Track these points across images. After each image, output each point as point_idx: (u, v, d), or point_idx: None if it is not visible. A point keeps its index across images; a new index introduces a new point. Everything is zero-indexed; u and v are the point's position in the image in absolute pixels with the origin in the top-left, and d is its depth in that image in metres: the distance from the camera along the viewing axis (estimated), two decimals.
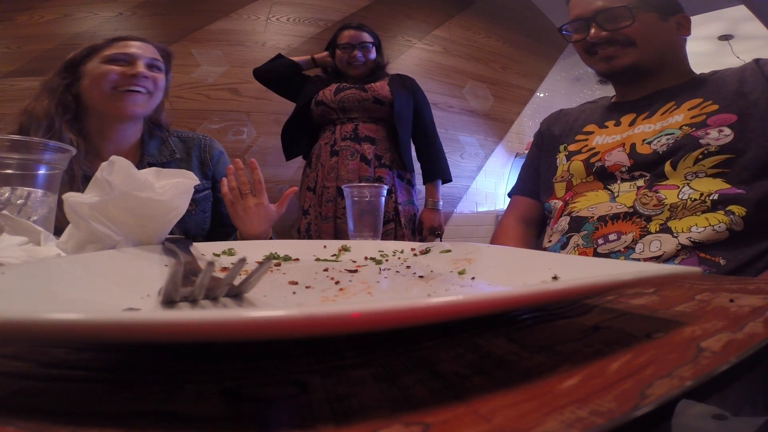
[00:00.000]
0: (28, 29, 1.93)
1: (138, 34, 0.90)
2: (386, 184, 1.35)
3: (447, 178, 1.47)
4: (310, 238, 1.38)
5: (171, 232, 0.47)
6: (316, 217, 1.38)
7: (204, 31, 2.12)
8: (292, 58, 1.51)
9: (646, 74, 0.75)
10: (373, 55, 1.44)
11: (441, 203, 1.46)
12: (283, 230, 2.09)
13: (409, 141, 1.42)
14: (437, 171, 1.45)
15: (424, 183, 1.47)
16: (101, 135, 0.85)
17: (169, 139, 0.93)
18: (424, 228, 1.43)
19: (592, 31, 0.74)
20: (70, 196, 0.40)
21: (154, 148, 0.90)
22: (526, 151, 1.01)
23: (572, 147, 0.80)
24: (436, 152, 1.46)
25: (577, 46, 0.80)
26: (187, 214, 0.63)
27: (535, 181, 0.89)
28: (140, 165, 0.82)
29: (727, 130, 0.62)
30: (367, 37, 1.43)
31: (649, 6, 0.71)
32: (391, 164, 1.37)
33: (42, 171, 0.46)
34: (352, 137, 1.36)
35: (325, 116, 1.40)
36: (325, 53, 1.50)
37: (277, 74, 1.50)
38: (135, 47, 0.84)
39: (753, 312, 0.24)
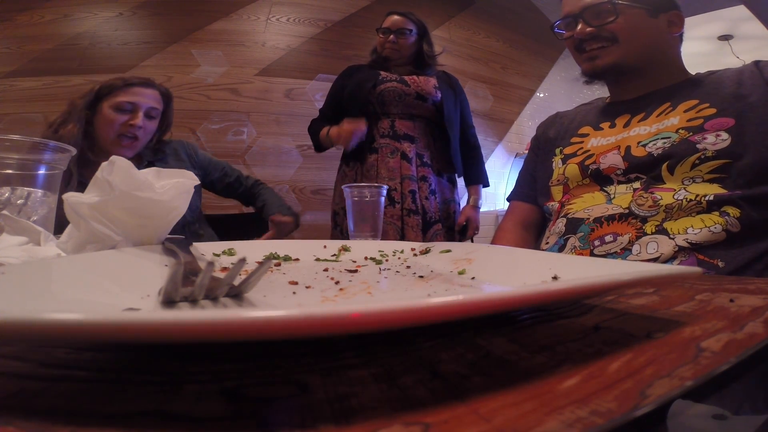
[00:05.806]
0: (28, 29, 1.93)
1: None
2: (430, 184, 1.32)
3: (486, 184, 1.49)
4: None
5: (171, 232, 0.47)
6: None
7: (204, 31, 2.12)
8: (322, 137, 1.36)
9: (632, 72, 0.75)
10: (411, 42, 1.38)
11: (481, 202, 1.48)
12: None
13: (458, 142, 1.40)
14: (480, 175, 1.46)
15: (467, 185, 1.47)
16: (106, 155, 1.05)
17: (161, 148, 1.16)
18: (470, 227, 1.42)
19: (579, 27, 0.75)
20: (71, 196, 0.40)
21: (147, 154, 1.11)
22: (526, 152, 1.01)
23: (567, 150, 0.80)
24: (479, 156, 1.47)
25: (568, 44, 0.80)
26: None
27: (532, 186, 0.89)
28: (140, 166, 0.98)
29: (725, 135, 0.61)
30: (407, 24, 1.38)
31: (636, 2, 0.71)
32: (431, 162, 1.35)
33: (42, 171, 0.46)
34: (391, 135, 1.31)
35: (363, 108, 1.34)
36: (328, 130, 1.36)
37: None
38: (140, 95, 1.03)
39: (753, 312, 0.24)
